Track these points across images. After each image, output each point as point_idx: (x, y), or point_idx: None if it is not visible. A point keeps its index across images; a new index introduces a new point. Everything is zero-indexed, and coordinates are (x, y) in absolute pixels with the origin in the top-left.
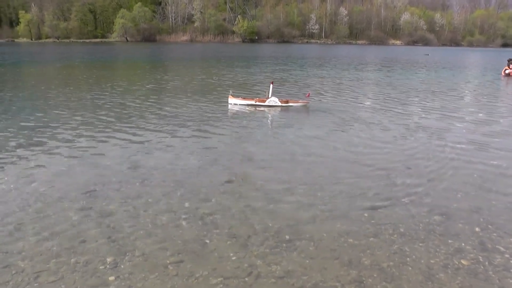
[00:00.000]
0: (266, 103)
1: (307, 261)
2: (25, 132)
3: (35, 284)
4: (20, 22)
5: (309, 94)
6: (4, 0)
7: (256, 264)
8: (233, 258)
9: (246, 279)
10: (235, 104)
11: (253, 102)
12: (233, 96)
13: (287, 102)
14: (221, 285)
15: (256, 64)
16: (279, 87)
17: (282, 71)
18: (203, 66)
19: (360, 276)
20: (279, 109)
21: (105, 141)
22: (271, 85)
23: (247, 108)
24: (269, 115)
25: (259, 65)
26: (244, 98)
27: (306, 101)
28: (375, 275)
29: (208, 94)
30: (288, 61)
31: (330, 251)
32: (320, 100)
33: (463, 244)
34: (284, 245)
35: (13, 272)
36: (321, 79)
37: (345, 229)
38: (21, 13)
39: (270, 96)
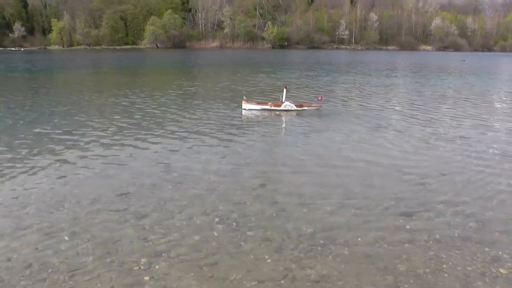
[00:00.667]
0: (282, 108)
1: (342, 266)
2: (59, 136)
3: (71, 282)
4: (52, 30)
5: (321, 97)
6: (37, 9)
7: (291, 268)
8: (268, 261)
9: (282, 281)
10: (249, 109)
11: (267, 107)
12: (247, 101)
13: (301, 106)
14: None
15: (283, 69)
16: (300, 91)
17: (309, 77)
18: (231, 72)
19: (396, 282)
20: (294, 113)
21: (136, 145)
22: (284, 90)
23: (263, 113)
24: (292, 120)
25: (286, 71)
26: (258, 103)
27: (319, 105)
28: (411, 281)
29: (235, 99)
30: (316, 67)
31: (365, 256)
32: (348, 106)
33: (500, 253)
34: (319, 249)
35: (49, 270)
36: (350, 85)
37: (379, 235)
38: (54, 21)
39: (284, 100)
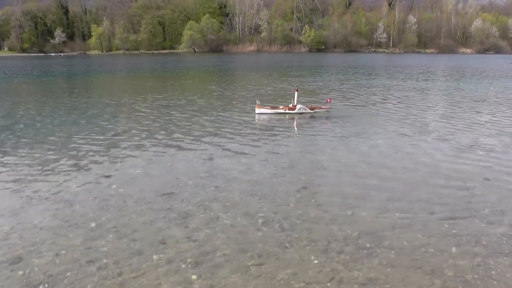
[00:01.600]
0: (296, 111)
1: (389, 269)
2: (101, 137)
3: (119, 279)
4: (92, 35)
5: (329, 99)
6: (77, 15)
7: (338, 270)
8: (315, 262)
9: (328, 284)
10: (262, 113)
11: (281, 111)
12: (260, 106)
13: (313, 108)
14: None
15: (315, 73)
16: (329, 94)
17: (339, 80)
18: (267, 75)
19: (445, 287)
20: (308, 116)
21: (176, 147)
22: (296, 93)
23: (281, 117)
24: (321, 124)
25: (318, 74)
26: (272, 107)
27: (328, 107)
28: (460, 287)
29: (272, 102)
30: (350, 70)
31: (411, 260)
32: (382, 109)
33: None
34: (365, 252)
35: (97, 266)
36: (384, 88)
37: (425, 239)
38: (93, 26)
39: (295, 103)
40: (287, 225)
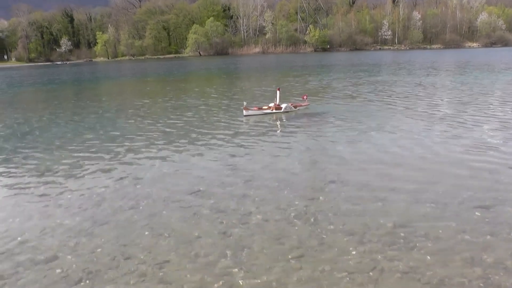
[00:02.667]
0: (283, 110)
1: (428, 257)
2: (118, 140)
3: (160, 274)
4: (97, 43)
5: (306, 96)
6: (82, 23)
7: (378, 259)
8: (353, 253)
9: (371, 273)
10: (250, 115)
11: (268, 111)
12: (247, 107)
13: (296, 106)
14: (347, 279)
15: (318, 72)
16: (326, 93)
17: (347, 78)
18: (271, 75)
19: (486, 274)
20: (293, 113)
21: (197, 146)
22: (278, 92)
23: (265, 117)
24: (336, 120)
25: (324, 73)
26: (258, 108)
27: (307, 103)
28: (501, 274)
29: (289, 98)
30: (355, 68)
31: (448, 248)
32: (393, 104)
33: None
34: (402, 241)
35: (136, 262)
36: (394, 83)
37: (459, 227)
38: (98, 34)
39: (278, 102)
40: (320, 218)
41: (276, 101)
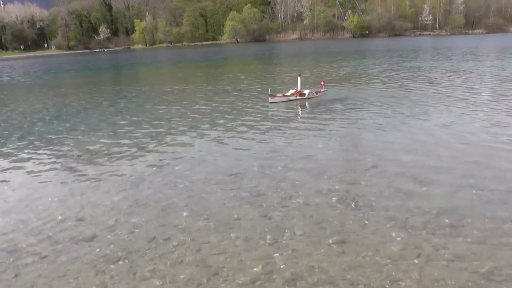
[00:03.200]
0: (306, 96)
1: (475, 246)
2: (157, 123)
3: (199, 256)
4: (135, 30)
5: (323, 82)
6: (120, 11)
7: (423, 247)
8: (398, 239)
9: (416, 261)
10: (276, 102)
11: (293, 98)
12: (272, 94)
13: (316, 92)
14: (391, 266)
15: (353, 58)
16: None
17: (386, 63)
18: (307, 61)
19: None
20: (323, 99)
21: (235, 130)
22: (299, 78)
23: (292, 103)
24: (371, 105)
25: (358, 58)
26: (283, 95)
27: (324, 89)
28: None
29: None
30: (392, 54)
31: (496, 237)
32: (433, 89)
33: None
34: (447, 229)
35: (175, 243)
36: (432, 69)
37: (507, 215)
38: (136, 21)
39: (299, 88)
40: (362, 203)
41: (297, 87)
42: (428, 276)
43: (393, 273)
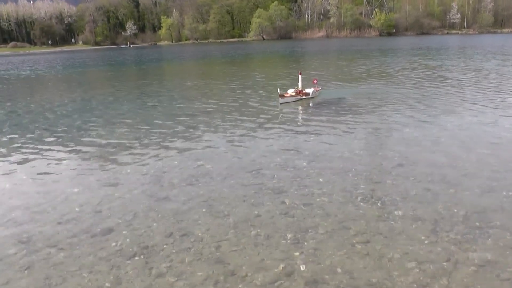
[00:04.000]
0: (311, 95)
1: (507, 251)
2: (179, 118)
3: (217, 254)
4: (162, 27)
5: (316, 80)
6: (147, 8)
7: (452, 250)
8: (425, 242)
9: (444, 264)
10: (286, 102)
11: (299, 97)
12: (282, 94)
13: (317, 90)
14: (417, 270)
15: (373, 56)
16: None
17: (407, 62)
18: (329, 58)
19: None
20: (339, 98)
21: (257, 126)
22: (299, 76)
23: (301, 103)
24: (394, 104)
25: (386, 57)
26: (290, 95)
27: (318, 88)
28: None
29: (339, 83)
30: (417, 52)
31: None
32: (458, 87)
33: None
34: (477, 232)
35: (192, 240)
36: (455, 68)
37: None
38: (163, 18)
39: (300, 86)
40: (389, 202)
41: (298, 86)
42: (457, 282)
43: (421, 278)
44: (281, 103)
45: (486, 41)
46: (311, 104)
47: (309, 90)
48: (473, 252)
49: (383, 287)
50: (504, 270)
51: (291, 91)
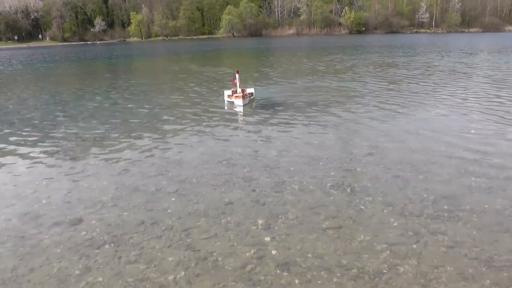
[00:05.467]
0: (253, 96)
1: (475, 232)
2: (147, 111)
3: (188, 240)
4: (131, 23)
5: (238, 71)
6: (116, 4)
7: (421, 233)
8: (395, 224)
9: (414, 246)
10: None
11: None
12: (239, 95)
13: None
14: (388, 252)
15: (338, 52)
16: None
17: (380, 58)
18: (306, 55)
19: None
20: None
21: (226, 118)
22: (237, 75)
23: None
24: (368, 97)
25: (356, 54)
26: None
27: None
28: None
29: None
30: (383, 49)
31: (497, 224)
32: (429, 81)
33: None
34: (446, 215)
35: (163, 228)
36: (426, 65)
37: (507, 203)
38: (132, 14)
39: (239, 85)
40: (359, 189)
41: (237, 86)
42: (426, 262)
43: (391, 259)
44: (243, 105)
45: (452, 40)
46: (277, 99)
47: (251, 90)
48: (442, 234)
49: (353, 268)
50: (472, 250)
51: (228, 93)
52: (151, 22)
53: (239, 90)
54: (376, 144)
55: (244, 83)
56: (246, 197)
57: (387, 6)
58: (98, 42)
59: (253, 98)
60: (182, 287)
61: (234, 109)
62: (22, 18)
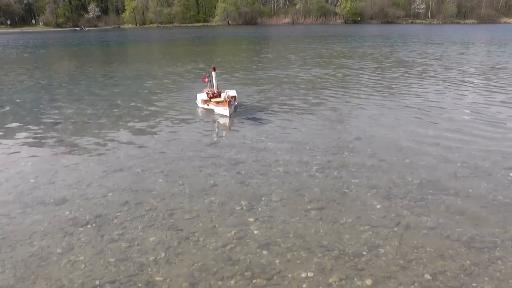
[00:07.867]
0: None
1: (457, 216)
2: (134, 97)
3: (171, 220)
4: (125, 10)
5: (207, 78)
6: None
7: (403, 215)
8: (378, 207)
9: (395, 228)
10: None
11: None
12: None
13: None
14: (370, 233)
15: (333, 42)
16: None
17: (374, 46)
18: (289, 44)
19: None
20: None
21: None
22: (213, 73)
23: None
24: (356, 84)
25: (351, 42)
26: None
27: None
28: None
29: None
30: (378, 39)
31: (480, 207)
32: (416, 69)
33: None
34: (429, 198)
35: (147, 208)
36: (419, 54)
37: (491, 187)
38: (127, 1)
39: (215, 85)
40: (344, 173)
41: (213, 86)
42: (407, 244)
43: (372, 240)
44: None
45: (447, 31)
46: (266, 87)
47: (233, 92)
48: (425, 217)
49: (334, 249)
50: (454, 232)
51: (202, 96)
52: (146, 9)
53: (222, 94)
54: (364, 130)
55: (230, 75)
56: (231, 179)
57: None
58: (87, 29)
59: (236, 104)
60: (162, 266)
61: (215, 118)
62: (15, 2)
